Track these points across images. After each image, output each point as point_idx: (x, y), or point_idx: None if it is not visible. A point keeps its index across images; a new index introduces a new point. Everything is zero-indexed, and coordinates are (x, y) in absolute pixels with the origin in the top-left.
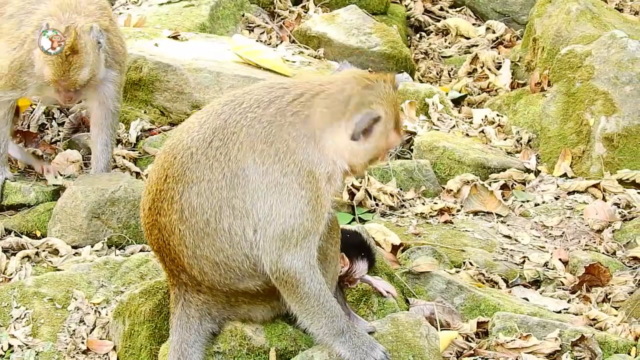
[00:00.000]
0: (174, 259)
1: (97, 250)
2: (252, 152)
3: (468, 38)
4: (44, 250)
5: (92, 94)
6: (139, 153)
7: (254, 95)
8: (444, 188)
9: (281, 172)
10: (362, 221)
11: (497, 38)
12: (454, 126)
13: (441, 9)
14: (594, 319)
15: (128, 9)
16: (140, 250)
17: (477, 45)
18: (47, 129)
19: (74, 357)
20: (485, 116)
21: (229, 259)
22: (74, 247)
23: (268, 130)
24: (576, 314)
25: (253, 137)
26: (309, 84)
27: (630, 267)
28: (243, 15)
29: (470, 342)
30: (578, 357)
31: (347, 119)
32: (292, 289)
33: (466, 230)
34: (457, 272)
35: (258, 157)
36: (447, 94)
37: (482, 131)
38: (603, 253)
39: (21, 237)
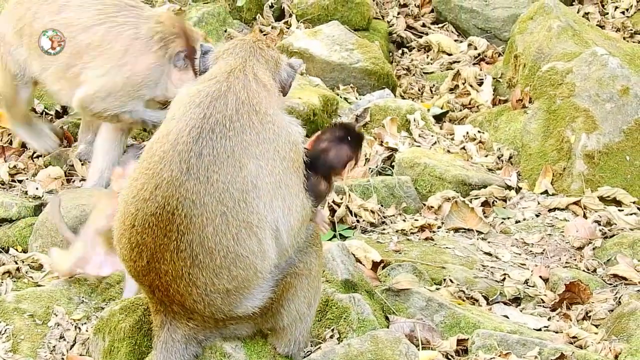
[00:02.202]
0: (172, 297)
1: None
2: (254, 159)
3: (450, 54)
4: (27, 265)
5: None
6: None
7: (215, 115)
8: (424, 205)
9: (280, 158)
10: (343, 237)
11: (479, 54)
12: (436, 142)
13: (423, 25)
14: (574, 337)
15: None
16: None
17: (459, 62)
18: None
19: None
20: (467, 133)
21: (242, 282)
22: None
23: (254, 131)
24: (556, 332)
25: (247, 147)
26: (225, 63)
27: (610, 284)
28: (225, 31)
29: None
30: None
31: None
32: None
33: (447, 247)
34: (438, 289)
35: (261, 160)
36: (428, 110)
37: (464, 148)
38: (583, 270)
39: (4, 253)
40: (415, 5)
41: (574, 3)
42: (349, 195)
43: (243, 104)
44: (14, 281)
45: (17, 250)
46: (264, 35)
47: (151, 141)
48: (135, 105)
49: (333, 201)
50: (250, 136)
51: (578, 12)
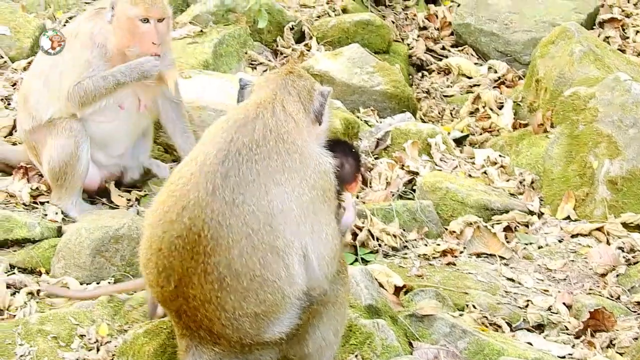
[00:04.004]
0: (200, 321)
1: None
2: (280, 185)
3: (470, 77)
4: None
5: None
6: (144, 191)
7: (241, 139)
8: (446, 229)
9: (308, 187)
10: (365, 262)
11: (499, 78)
12: (457, 166)
13: (443, 48)
14: None
15: None
16: (143, 289)
17: (479, 85)
18: None
19: None
20: (488, 157)
21: (270, 306)
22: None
23: (280, 159)
24: None
25: (273, 173)
26: (255, 95)
27: (634, 312)
28: (246, 53)
29: None
30: None
31: (307, 109)
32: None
33: (469, 273)
34: (461, 315)
35: (286, 187)
36: (449, 133)
37: (485, 172)
38: (607, 297)
39: (28, 274)
40: (435, 28)
41: (594, 27)
42: (371, 219)
43: (270, 131)
44: (37, 302)
45: (41, 272)
46: (285, 57)
47: (180, 165)
48: None
49: (355, 225)
50: (275, 162)
51: (599, 36)
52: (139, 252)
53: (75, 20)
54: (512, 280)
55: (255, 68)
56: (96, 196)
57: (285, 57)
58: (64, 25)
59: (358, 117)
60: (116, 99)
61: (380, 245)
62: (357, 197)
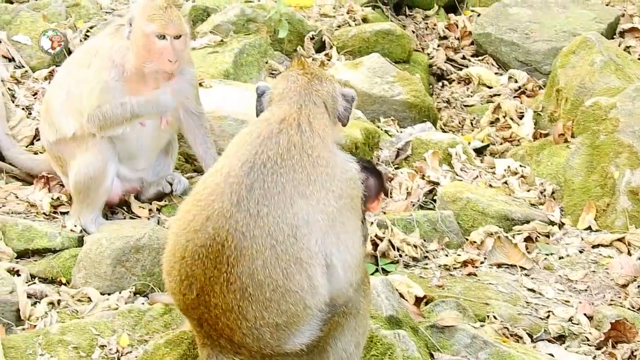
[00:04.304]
0: (221, 330)
1: (123, 298)
2: (305, 198)
3: (490, 87)
4: (79, 300)
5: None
6: (165, 201)
7: (266, 152)
8: (467, 239)
9: (334, 197)
10: (386, 272)
11: (519, 87)
12: (477, 176)
13: (463, 57)
14: None
15: None
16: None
17: (499, 95)
18: None
19: None
20: (508, 166)
21: (292, 317)
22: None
23: (305, 172)
24: None
25: (298, 186)
26: (279, 109)
27: None
28: (267, 63)
29: None
30: None
31: (332, 115)
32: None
33: (490, 283)
34: (482, 325)
35: (311, 200)
36: (469, 143)
37: (506, 182)
38: (628, 308)
39: (48, 284)
40: (455, 37)
41: (615, 36)
42: (392, 229)
43: (295, 146)
44: (58, 312)
45: (61, 282)
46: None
47: (205, 175)
48: None
49: (376, 235)
50: (300, 175)
51: (620, 46)
52: (163, 260)
53: (96, 36)
54: (533, 290)
55: (276, 77)
56: (117, 207)
57: None
58: (85, 36)
59: (378, 127)
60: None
61: (400, 255)
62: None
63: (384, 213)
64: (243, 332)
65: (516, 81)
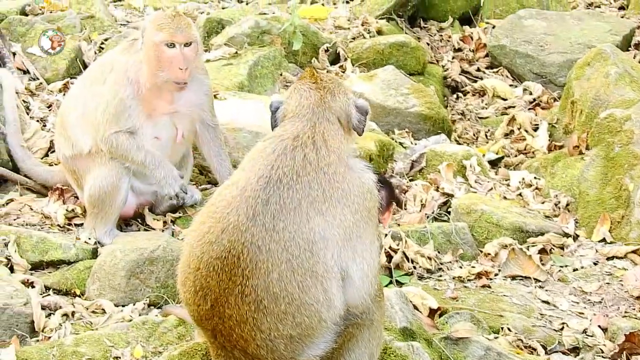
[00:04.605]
0: (235, 342)
1: (137, 309)
2: (321, 215)
3: (505, 99)
4: (93, 312)
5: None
6: (179, 213)
7: (282, 168)
8: (481, 251)
9: (351, 212)
10: (400, 284)
11: (534, 99)
12: (492, 188)
13: (478, 69)
14: None
15: None
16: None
17: (514, 107)
18: None
19: None
20: (523, 179)
21: (306, 329)
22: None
23: (321, 189)
24: None
25: (314, 203)
26: (292, 126)
27: None
28: (281, 75)
29: None
30: None
31: (346, 128)
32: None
33: (504, 295)
34: (496, 337)
35: (329, 216)
36: (484, 155)
37: (520, 194)
38: None
39: (64, 296)
40: (470, 49)
41: (630, 49)
42: (406, 241)
43: (310, 163)
44: (72, 324)
45: (75, 293)
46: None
47: (220, 188)
48: None
49: (390, 247)
50: (316, 192)
51: (634, 58)
52: (177, 270)
53: (111, 50)
54: (547, 302)
55: (288, 89)
56: (131, 219)
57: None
58: (100, 48)
59: (393, 139)
60: (154, 130)
61: (415, 267)
62: (393, 220)
63: (398, 225)
64: (257, 343)
65: (531, 93)
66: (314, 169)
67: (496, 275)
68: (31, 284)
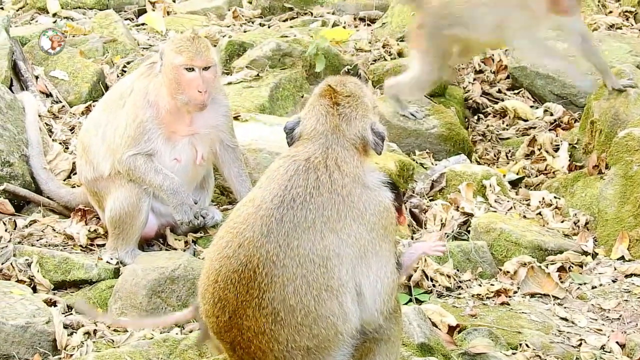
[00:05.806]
0: (253, 354)
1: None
2: (336, 233)
3: (526, 120)
4: (115, 330)
5: (210, 132)
6: (201, 233)
7: (295, 188)
8: (500, 269)
9: (367, 230)
10: (419, 302)
11: (555, 120)
12: (511, 208)
13: (499, 91)
14: None
15: None
16: (199, 329)
17: (534, 128)
18: None
19: None
20: (543, 198)
21: (323, 341)
22: None
23: (335, 209)
24: None
25: (328, 223)
26: (305, 147)
27: None
28: (302, 97)
29: None
30: None
31: (362, 150)
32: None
33: (523, 312)
34: (514, 354)
35: (343, 234)
36: (504, 175)
37: (540, 213)
38: None
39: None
40: (491, 71)
41: None
42: (425, 259)
43: (323, 185)
44: (94, 342)
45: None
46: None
47: (239, 204)
48: None
49: None
50: (330, 212)
51: None
52: (199, 283)
53: (131, 74)
54: (565, 319)
55: (305, 105)
56: (153, 239)
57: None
58: (122, 71)
59: (414, 160)
60: (173, 152)
61: (434, 285)
62: (412, 239)
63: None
64: (275, 355)
65: (552, 114)
66: (327, 191)
67: (515, 292)
68: (54, 303)
